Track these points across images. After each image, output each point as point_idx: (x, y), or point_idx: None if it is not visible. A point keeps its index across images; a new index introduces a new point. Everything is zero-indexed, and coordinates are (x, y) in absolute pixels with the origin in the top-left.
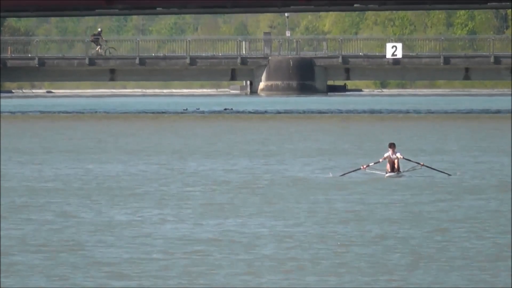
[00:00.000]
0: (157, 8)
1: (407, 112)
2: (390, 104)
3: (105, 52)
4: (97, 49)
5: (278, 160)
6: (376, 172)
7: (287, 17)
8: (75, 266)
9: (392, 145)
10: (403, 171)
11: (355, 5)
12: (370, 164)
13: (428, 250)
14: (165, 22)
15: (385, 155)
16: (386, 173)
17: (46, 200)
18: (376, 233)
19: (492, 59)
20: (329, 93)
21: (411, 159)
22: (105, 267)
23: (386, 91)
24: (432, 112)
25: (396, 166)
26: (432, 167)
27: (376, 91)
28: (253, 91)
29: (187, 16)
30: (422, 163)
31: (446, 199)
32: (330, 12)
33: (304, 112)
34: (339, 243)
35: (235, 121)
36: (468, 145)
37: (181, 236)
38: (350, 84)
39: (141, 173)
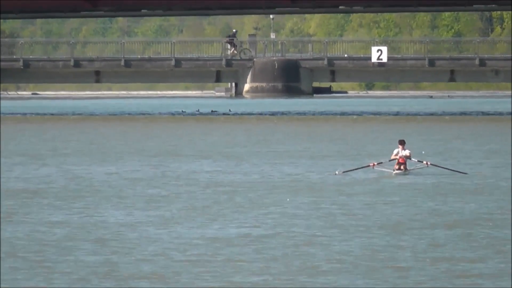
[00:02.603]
0: (142, 10)
1: (393, 113)
2: (375, 106)
3: (239, 54)
4: (232, 50)
5: (269, 162)
6: (384, 170)
7: (272, 19)
8: (65, 268)
9: (402, 142)
10: (411, 169)
11: (340, 7)
12: (382, 162)
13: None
14: (150, 24)
15: (395, 152)
16: (394, 170)
17: (31, 202)
18: (371, 233)
19: (477, 61)
20: (314, 95)
21: (418, 160)
22: (97, 269)
23: (371, 93)
24: (419, 114)
25: (403, 163)
26: (440, 165)
27: (361, 93)
28: (238, 93)
29: (172, 18)
30: (428, 162)
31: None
32: (315, 14)
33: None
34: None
35: (226, 123)
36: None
37: (172, 238)
38: (335, 86)
39: (129, 175)
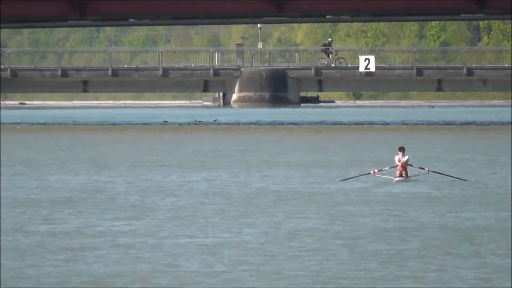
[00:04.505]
0: (130, 19)
1: (382, 123)
2: (363, 116)
3: (334, 62)
4: (328, 59)
5: (256, 171)
6: (385, 177)
7: (260, 28)
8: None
9: (401, 149)
10: (411, 176)
11: (327, 17)
12: (384, 169)
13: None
14: (137, 33)
15: (396, 158)
16: (395, 177)
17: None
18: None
19: (464, 71)
20: (302, 105)
21: (419, 166)
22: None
23: (359, 102)
24: (405, 124)
25: (404, 170)
26: (441, 172)
27: (348, 103)
28: (226, 103)
29: (160, 27)
30: (428, 169)
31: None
32: (303, 24)
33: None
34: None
35: (217, 133)
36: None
37: (160, 246)
38: (322, 95)
39: (115, 184)
